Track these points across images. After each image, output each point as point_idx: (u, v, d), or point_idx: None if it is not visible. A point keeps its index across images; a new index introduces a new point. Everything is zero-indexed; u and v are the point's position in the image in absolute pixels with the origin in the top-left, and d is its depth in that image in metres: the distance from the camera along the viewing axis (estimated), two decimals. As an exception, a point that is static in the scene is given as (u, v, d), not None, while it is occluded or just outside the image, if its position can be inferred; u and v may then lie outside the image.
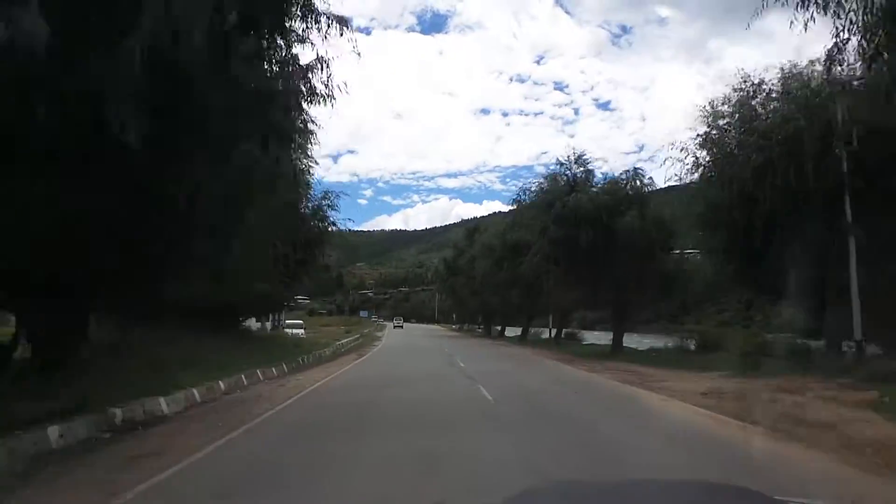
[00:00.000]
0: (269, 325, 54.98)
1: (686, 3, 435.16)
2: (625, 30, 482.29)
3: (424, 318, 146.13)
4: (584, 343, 39.03)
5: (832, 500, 3.99)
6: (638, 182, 27.54)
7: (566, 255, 27.08)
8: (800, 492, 5.34)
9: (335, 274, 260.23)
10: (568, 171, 28.96)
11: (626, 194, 27.63)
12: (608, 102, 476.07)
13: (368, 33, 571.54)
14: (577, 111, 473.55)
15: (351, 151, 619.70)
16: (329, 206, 31.82)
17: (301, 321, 52.02)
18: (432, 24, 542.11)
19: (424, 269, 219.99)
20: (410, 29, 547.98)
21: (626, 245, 26.01)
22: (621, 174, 28.26)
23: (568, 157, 28.98)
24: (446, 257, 63.01)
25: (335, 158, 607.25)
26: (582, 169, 28.95)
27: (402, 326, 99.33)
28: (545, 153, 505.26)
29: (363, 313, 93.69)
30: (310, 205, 30.70)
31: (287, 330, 47.41)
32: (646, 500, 2.06)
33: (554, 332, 43.01)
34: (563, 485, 2.99)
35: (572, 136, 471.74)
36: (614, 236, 26.36)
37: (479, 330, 71.29)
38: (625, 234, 26.08)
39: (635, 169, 28.05)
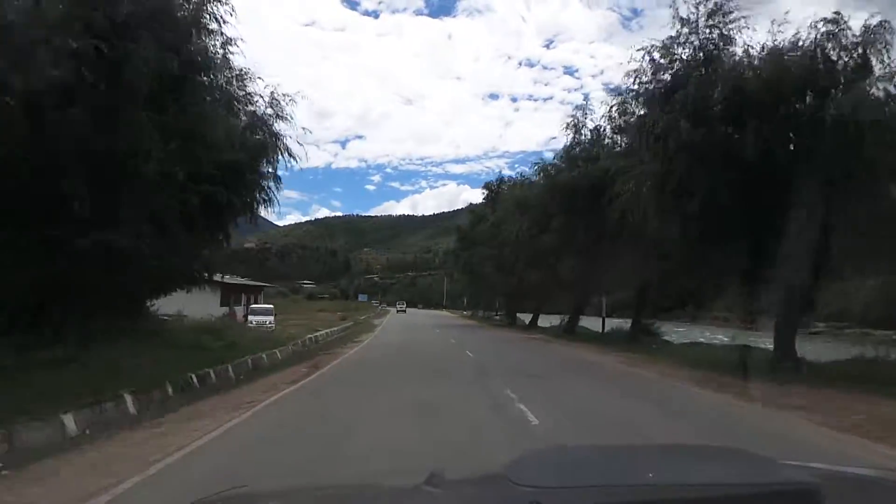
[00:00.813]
0: (239, 311, 41.78)
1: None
2: (635, 13, 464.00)
3: (432, 303, 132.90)
4: (666, 339, 25.42)
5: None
6: (845, 39, 13.60)
7: (707, 177, 13.43)
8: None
9: (342, 258, 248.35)
10: (694, 33, 15.06)
11: (819, 68, 13.78)
12: (619, 87, 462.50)
13: (377, 17, 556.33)
14: (587, 96, 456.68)
15: (359, 136, 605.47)
16: (279, 115, 18.18)
17: (271, 306, 38.46)
18: (440, 7, 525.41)
19: (432, 254, 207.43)
20: (419, 12, 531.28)
21: (834, 156, 12.41)
22: (806, 32, 14.14)
23: (696, 4, 14.97)
24: (461, 224, 47.62)
25: (343, 143, 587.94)
26: (718, 32, 15.04)
27: (405, 311, 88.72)
28: (554, 138, 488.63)
29: (362, 297, 79.75)
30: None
31: (251, 318, 34.13)
32: (645, 462, 1.93)
33: (610, 320, 29.35)
34: (562, 448, 2.91)
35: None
36: (810, 138, 12.75)
37: (497, 317, 57.73)
38: (831, 135, 12.45)
39: (836, 14, 13.96)
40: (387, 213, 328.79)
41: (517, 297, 42.95)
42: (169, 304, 25.60)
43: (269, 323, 33.68)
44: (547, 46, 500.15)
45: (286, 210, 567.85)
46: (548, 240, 25.99)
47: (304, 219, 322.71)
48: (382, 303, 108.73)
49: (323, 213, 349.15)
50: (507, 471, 1.60)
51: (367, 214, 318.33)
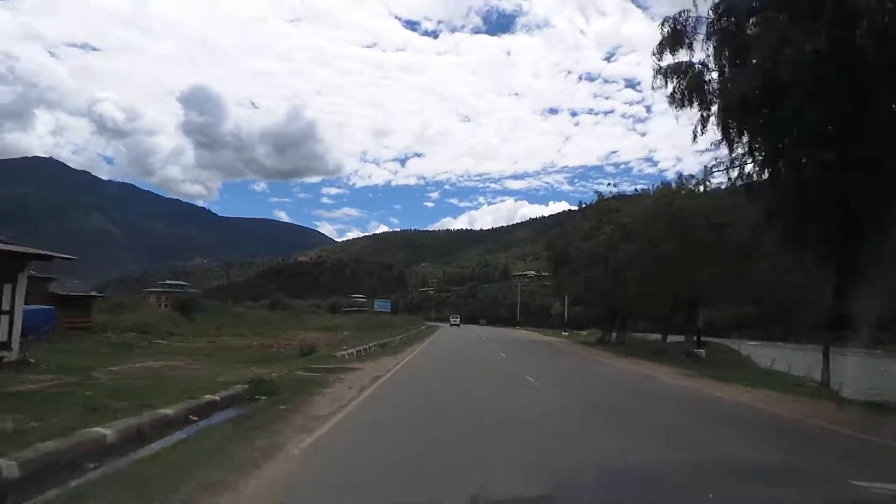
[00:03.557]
0: None
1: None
2: (700, 21, 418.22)
3: (497, 318, 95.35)
4: None
5: None
6: None
7: None
8: None
9: (397, 272, 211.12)
10: None
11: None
12: None
13: (436, 36, 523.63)
14: (649, 108, 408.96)
15: (418, 154, 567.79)
16: None
17: None
18: (498, 24, 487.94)
19: (490, 267, 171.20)
20: (476, 30, 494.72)
21: None
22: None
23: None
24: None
25: (402, 161, 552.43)
26: None
27: (458, 325, 68.27)
28: (615, 153, 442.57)
29: (381, 304, 39.60)
30: None
31: None
32: (705, 482, 1.43)
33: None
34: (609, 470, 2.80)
35: (643, 135, 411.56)
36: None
37: (702, 350, 19.89)
38: None
39: None
40: (444, 229, 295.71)
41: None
42: None
43: None
44: (608, 59, 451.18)
45: (345, 227, 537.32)
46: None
47: (362, 235, 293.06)
48: (417, 317, 71.30)
49: (382, 229, 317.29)
50: (553, 491, 1.37)
51: (424, 230, 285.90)
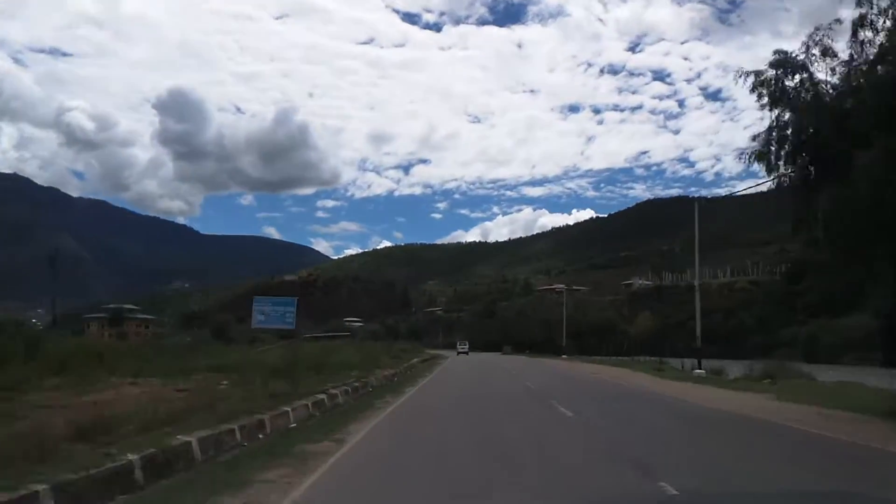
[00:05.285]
0: None
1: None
2: (734, 4, 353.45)
3: (529, 344, 69.35)
4: None
5: None
6: None
7: None
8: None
9: (399, 291, 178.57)
10: None
11: None
12: (719, 91, 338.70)
13: (439, 29, 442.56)
14: (681, 103, 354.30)
15: (423, 161, 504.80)
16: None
17: None
18: (507, 14, 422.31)
19: (509, 283, 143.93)
20: (482, 21, 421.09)
21: None
22: None
23: None
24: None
25: (406, 169, 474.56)
26: None
27: (466, 353, 59.68)
28: (645, 153, 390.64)
29: (260, 308, 11.58)
30: None
31: None
32: None
33: None
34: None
35: (677, 133, 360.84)
36: None
37: None
38: None
39: None
40: (455, 242, 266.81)
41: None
42: None
43: None
44: (632, 50, 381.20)
45: (344, 244, 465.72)
46: None
47: (361, 251, 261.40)
48: (415, 345, 46.89)
49: (384, 245, 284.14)
50: None
51: (432, 244, 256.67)
